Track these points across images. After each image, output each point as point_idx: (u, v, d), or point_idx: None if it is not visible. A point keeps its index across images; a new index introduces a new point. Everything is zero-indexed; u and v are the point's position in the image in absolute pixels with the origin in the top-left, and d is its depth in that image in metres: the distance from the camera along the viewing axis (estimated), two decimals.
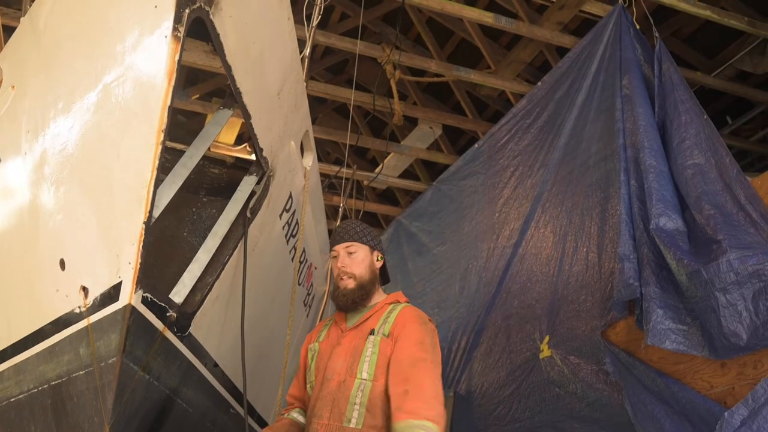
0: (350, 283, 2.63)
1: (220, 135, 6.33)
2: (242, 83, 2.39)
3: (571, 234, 4.36)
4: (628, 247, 3.60)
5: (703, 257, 3.21)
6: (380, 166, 6.93)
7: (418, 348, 2.44)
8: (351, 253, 2.66)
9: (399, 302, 2.67)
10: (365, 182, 6.90)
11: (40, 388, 2.57)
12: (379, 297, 2.71)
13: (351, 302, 2.62)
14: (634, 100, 3.97)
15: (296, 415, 2.70)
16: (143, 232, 2.13)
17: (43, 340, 2.54)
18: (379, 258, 2.75)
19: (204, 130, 2.52)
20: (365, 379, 2.44)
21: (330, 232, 6.00)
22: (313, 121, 5.50)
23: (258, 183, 2.79)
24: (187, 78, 6.26)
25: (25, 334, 2.64)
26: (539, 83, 5.20)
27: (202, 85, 6.24)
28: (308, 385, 2.64)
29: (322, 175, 5.46)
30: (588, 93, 4.56)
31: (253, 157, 2.99)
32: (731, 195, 3.39)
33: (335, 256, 2.69)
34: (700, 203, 3.40)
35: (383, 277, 2.80)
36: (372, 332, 2.52)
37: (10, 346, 2.74)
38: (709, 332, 3.12)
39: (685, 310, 3.29)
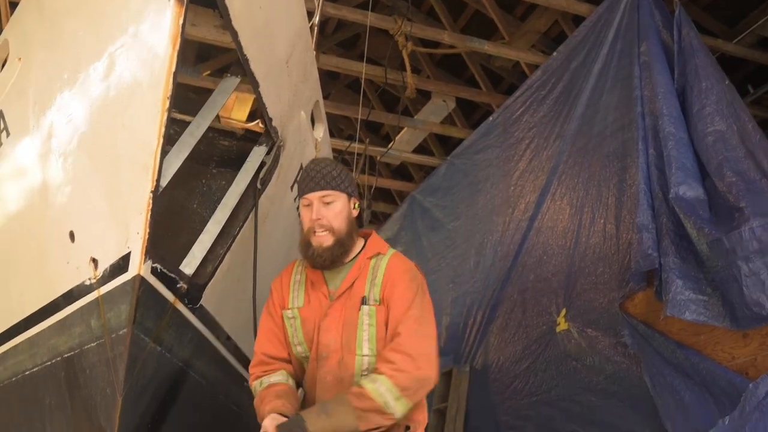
0: (327, 239, 2.27)
1: (233, 112, 6.30)
2: (249, 49, 2.34)
3: (588, 205, 4.28)
4: (646, 217, 3.53)
5: (725, 226, 3.14)
6: (393, 141, 6.87)
7: (406, 310, 2.24)
8: (328, 203, 2.29)
9: (381, 253, 2.38)
10: (378, 157, 6.84)
11: (53, 361, 2.57)
12: (356, 246, 2.39)
13: (329, 262, 2.30)
14: (653, 66, 3.87)
15: (269, 378, 2.35)
16: (151, 201, 2.11)
17: (54, 313, 2.54)
18: (356, 205, 2.39)
19: (211, 99, 2.48)
20: (367, 355, 2.25)
21: None
22: (326, 97, 5.44)
23: (268, 153, 2.75)
24: (197, 54, 6.21)
25: (38, 308, 2.64)
26: (555, 53, 5.09)
27: (213, 62, 6.20)
28: (298, 355, 2.37)
29: (334, 150, 5.40)
30: (605, 61, 4.45)
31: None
32: (754, 162, 3.30)
33: (307, 205, 2.31)
34: (722, 170, 3.31)
35: (358, 222, 2.46)
36: (364, 301, 2.28)
37: (23, 319, 2.74)
38: (730, 302, 3.06)
39: (706, 280, 3.22)
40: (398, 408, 2.11)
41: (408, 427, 2.30)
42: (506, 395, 4.78)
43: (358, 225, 2.43)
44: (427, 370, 2.17)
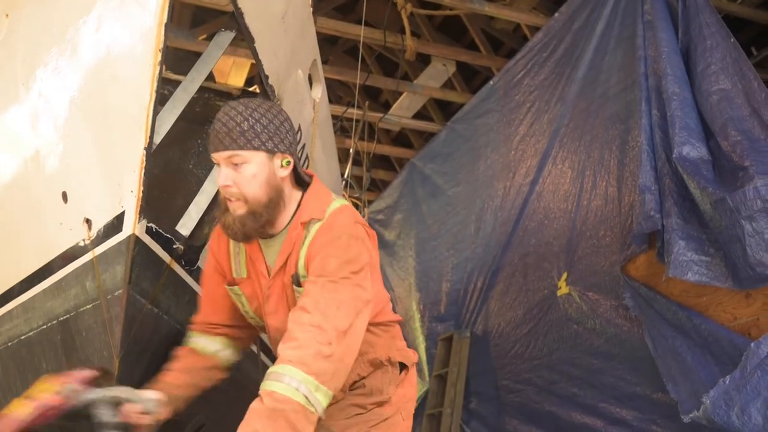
0: (239, 208, 1.85)
1: (230, 77, 6.20)
2: (244, 3, 2.27)
3: (590, 168, 4.24)
4: (649, 178, 3.49)
5: (729, 185, 3.10)
6: (393, 107, 6.79)
7: (317, 277, 1.83)
8: (236, 164, 1.82)
9: (315, 218, 1.90)
10: (377, 122, 6.76)
11: (49, 325, 2.54)
12: (290, 209, 1.93)
13: (240, 235, 1.88)
14: (657, 25, 3.80)
15: (198, 340, 2.10)
16: (144, 159, 2.06)
17: (49, 276, 2.50)
18: (284, 163, 1.87)
19: (205, 53, 2.41)
20: None
21: (342, 175, 5.91)
22: (324, 63, 5.35)
23: None
24: (192, 18, 6.10)
25: (32, 271, 2.59)
26: (557, 14, 5.00)
27: (208, 25, 6.09)
28: (257, 324, 2.12)
29: (332, 117, 5.33)
30: (608, 21, 4.37)
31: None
32: (759, 120, 3.25)
33: (217, 164, 1.88)
34: (726, 130, 3.26)
35: (297, 179, 1.97)
36: (294, 280, 1.90)
37: (17, 283, 2.70)
38: (733, 262, 3.03)
39: (709, 240, 3.19)
40: (321, 400, 1.67)
41: (404, 365, 2.16)
42: (507, 360, 4.79)
43: (298, 181, 1.96)
44: (337, 345, 1.70)
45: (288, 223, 1.92)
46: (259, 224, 1.86)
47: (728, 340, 3.04)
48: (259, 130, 1.82)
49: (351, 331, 1.76)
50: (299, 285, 1.89)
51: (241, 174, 1.82)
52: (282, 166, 1.87)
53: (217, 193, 2.50)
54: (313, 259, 1.85)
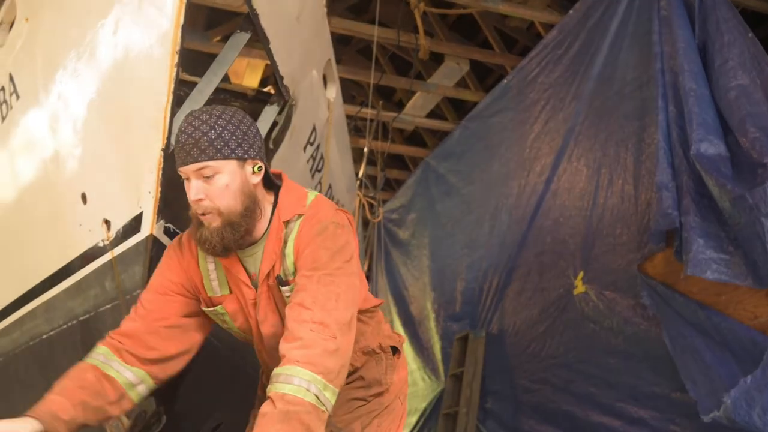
0: (214, 220, 1.78)
1: (244, 78, 6.23)
2: (259, 4, 2.28)
3: (606, 166, 4.21)
4: (666, 176, 3.46)
5: (748, 182, 3.07)
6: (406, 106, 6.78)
7: (310, 272, 1.79)
8: (207, 176, 1.74)
9: (297, 214, 1.88)
10: (391, 123, 6.77)
11: (70, 324, 2.57)
12: (267, 214, 1.88)
13: (220, 249, 1.80)
14: (673, 21, 3.77)
15: (103, 360, 1.90)
16: (162, 160, 2.08)
17: (69, 276, 2.53)
18: (256, 169, 1.81)
19: (221, 55, 2.43)
20: None
21: (356, 174, 5.92)
22: (337, 63, 5.36)
23: (279, 113, 2.70)
24: (207, 20, 6.13)
25: (52, 271, 2.63)
26: (571, 11, 4.97)
27: (223, 27, 6.13)
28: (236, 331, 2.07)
29: (346, 117, 5.34)
30: (623, 18, 4.34)
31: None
32: None
33: (186, 179, 1.78)
34: (745, 126, 3.23)
35: (267, 183, 1.90)
36: (280, 280, 1.87)
37: (38, 283, 2.74)
38: (753, 260, 3.00)
39: (728, 238, 3.17)
40: (329, 398, 1.66)
41: (395, 349, 2.14)
42: (523, 359, 4.77)
43: (269, 184, 1.91)
44: (342, 338, 1.70)
45: (267, 227, 1.88)
46: (238, 235, 1.80)
47: (749, 339, 3.01)
48: (227, 137, 1.74)
49: (352, 321, 1.76)
50: (284, 284, 1.86)
51: (214, 186, 1.75)
52: (254, 172, 1.81)
53: None
54: (302, 252, 1.83)
